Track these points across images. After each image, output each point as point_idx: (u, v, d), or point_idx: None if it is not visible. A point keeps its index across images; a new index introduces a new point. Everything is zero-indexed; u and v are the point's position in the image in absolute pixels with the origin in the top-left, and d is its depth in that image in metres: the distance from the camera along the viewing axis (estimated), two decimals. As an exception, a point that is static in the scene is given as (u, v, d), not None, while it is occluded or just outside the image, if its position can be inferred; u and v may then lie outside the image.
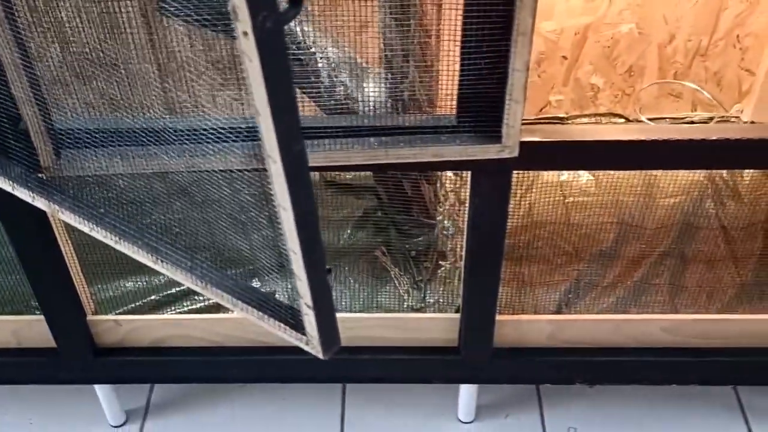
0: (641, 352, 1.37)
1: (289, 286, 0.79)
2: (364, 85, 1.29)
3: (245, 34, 0.53)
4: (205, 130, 0.74)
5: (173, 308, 1.48)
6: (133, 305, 1.46)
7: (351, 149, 1.02)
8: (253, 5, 0.51)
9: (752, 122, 1.76)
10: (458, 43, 0.98)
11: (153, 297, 1.49)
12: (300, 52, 1.27)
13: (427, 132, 1.04)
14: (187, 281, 0.87)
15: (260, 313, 0.83)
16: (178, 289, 1.50)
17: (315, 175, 1.70)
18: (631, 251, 1.58)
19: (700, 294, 1.50)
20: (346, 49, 1.29)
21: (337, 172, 1.66)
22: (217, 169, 0.76)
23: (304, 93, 1.28)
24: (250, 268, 0.92)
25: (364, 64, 1.28)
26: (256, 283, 1.14)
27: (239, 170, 0.73)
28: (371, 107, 1.25)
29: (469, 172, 1.14)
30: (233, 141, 0.75)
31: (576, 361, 1.38)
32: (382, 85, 1.27)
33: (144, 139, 0.85)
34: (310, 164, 1.01)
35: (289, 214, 0.66)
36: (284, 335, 0.82)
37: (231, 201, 0.75)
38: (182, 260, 0.87)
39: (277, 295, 0.86)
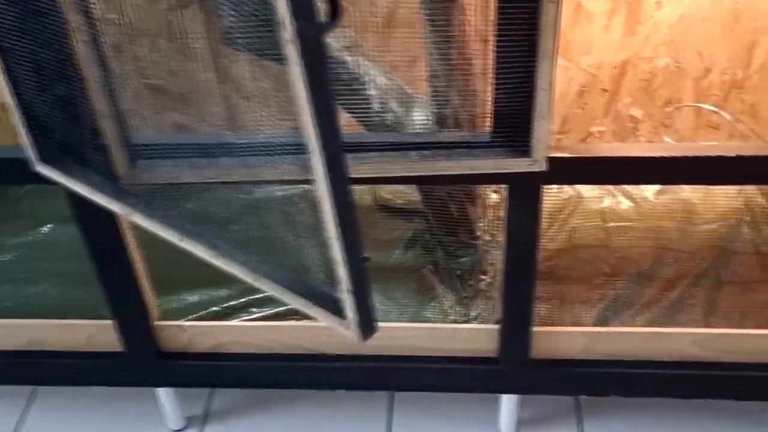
0: (672, 366, 1.42)
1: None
2: (412, 111, 1.40)
3: (290, 41, 0.64)
4: (263, 145, 0.87)
5: (233, 320, 1.59)
6: (194, 316, 1.58)
7: (394, 162, 1.13)
8: (296, 16, 0.62)
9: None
10: (491, 66, 1.08)
11: (214, 308, 1.60)
12: (352, 80, 1.38)
13: (463, 147, 1.13)
14: (241, 273, 0.98)
15: (306, 301, 0.93)
16: (237, 302, 1.61)
17: (366, 199, 1.82)
18: (667, 273, 1.64)
19: (733, 315, 1.55)
20: (395, 79, 1.40)
21: (389, 198, 1.77)
22: (272, 179, 0.88)
23: (356, 119, 1.40)
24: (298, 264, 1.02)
25: (412, 93, 1.40)
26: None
27: (290, 180, 0.84)
28: (418, 131, 1.37)
29: (507, 187, 1.23)
30: (286, 155, 0.87)
31: (609, 373, 1.44)
32: (428, 111, 1.38)
33: (211, 152, 0.98)
34: (359, 176, 1.13)
35: (328, 203, 0.76)
36: (327, 321, 0.92)
37: (283, 205, 0.86)
38: (238, 255, 0.98)
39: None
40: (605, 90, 1.84)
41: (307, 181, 0.89)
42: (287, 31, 0.63)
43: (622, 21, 1.73)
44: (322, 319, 0.93)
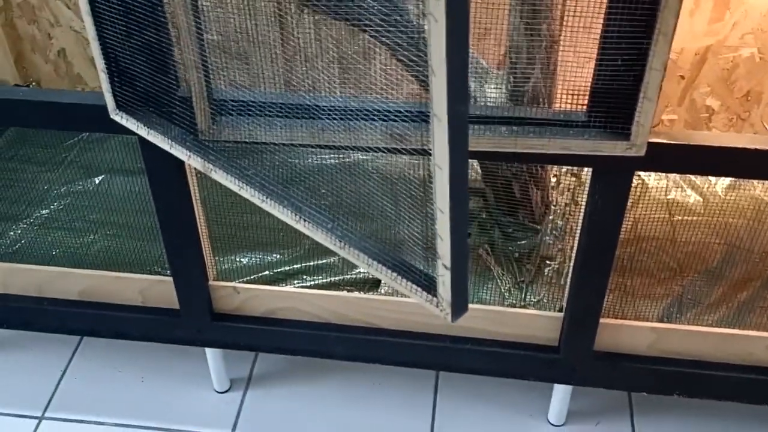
0: (741, 369, 1.37)
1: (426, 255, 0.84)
2: (486, 84, 1.34)
3: (434, -5, 0.59)
4: (367, 110, 0.81)
5: (284, 285, 1.55)
6: (247, 278, 1.54)
7: (482, 136, 1.07)
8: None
9: None
10: (597, 40, 1.02)
11: (266, 273, 1.56)
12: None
13: (556, 125, 1.08)
14: (326, 240, 0.93)
15: (394, 274, 0.89)
16: (289, 267, 1.57)
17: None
18: (737, 272, 1.58)
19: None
20: (471, 50, 1.34)
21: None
22: (375, 146, 0.83)
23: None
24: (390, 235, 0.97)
25: (486, 66, 1.34)
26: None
27: (395, 148, 0.79)
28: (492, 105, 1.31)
29: (590, 170, 1.18)
30: (390, 120, 0.81)
31: (675, 372, 1.39)
32: (504, 85, 1.32)
33: (302, 113, 0.93)
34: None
35: (444, 173, 0.71)
36: (416, 297, 0.88)
37: (383, 173, 0.81)
38: (324, 220, 0.93)
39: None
40: (682, 77, 1.78)
41: (417, 151, 0.84)
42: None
43: (711, 6, 1.66)
44: (411, 295, 0.88)
